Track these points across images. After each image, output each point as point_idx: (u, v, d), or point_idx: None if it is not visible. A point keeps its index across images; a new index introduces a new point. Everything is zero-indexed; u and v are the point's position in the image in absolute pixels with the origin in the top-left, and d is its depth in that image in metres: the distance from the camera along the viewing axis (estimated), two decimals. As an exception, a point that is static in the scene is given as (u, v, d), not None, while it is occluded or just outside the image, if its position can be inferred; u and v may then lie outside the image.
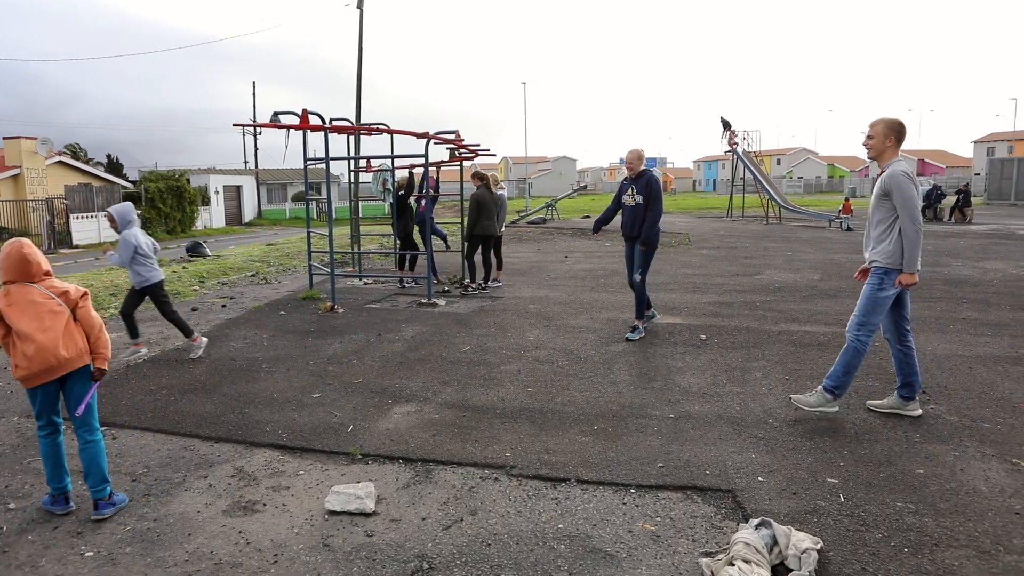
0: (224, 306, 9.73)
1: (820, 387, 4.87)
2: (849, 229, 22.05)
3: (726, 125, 29.40)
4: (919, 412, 4.84)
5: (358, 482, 3.92)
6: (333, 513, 3.62)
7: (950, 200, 26.77)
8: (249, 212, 45.92)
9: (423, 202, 10.82)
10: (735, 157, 30.83)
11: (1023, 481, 3.85)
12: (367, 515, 3.59)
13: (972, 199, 27.42)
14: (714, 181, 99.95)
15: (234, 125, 13.15)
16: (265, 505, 3.76)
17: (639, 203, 7.01)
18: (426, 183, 10.43)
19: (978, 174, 57.66)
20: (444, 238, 14.27)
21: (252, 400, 5.47)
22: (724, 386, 5.56)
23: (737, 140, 29.49)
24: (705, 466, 4.06)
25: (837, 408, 4.86)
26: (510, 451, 4.35)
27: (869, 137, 4.71)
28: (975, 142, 77.10)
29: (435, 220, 11.91)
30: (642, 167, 7.08)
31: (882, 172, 4.67)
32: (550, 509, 3.62)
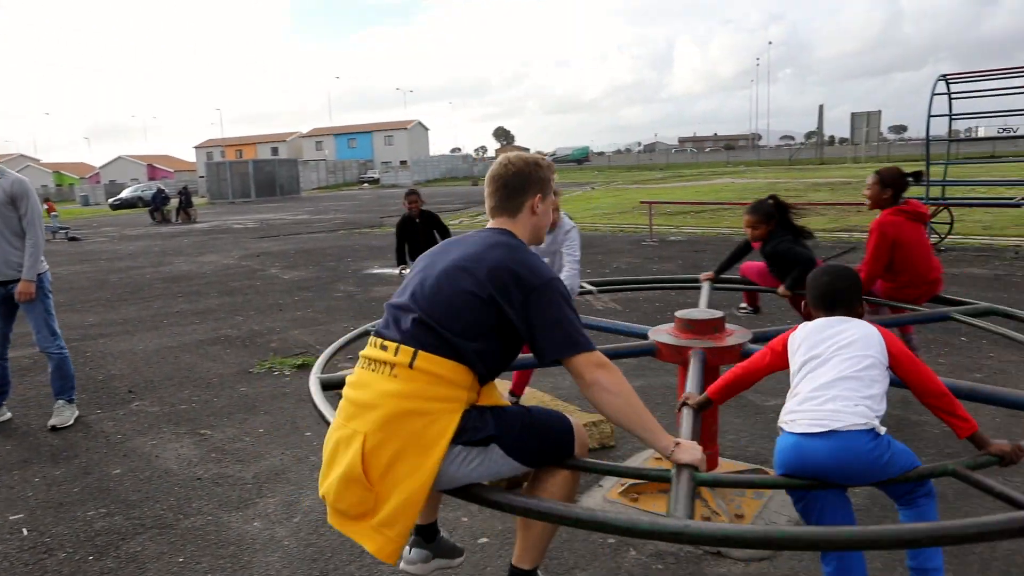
0: None
1: (62, 401, 4.76)
2: (74, 239, 20.91)
3: None
4: (9, 416, 4.88)
5: None
6: None
7: (175, 202, 28.16)
8: None
9: None
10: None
11: (207, 448, 4.27)
12: None
13: (195, 199, 29.48)
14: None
15: None
16: None
17: None
18: None
19: (202, 176, 62.44)
20: None
21: None
22: None
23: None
24: None
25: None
26: None
27: None
28: (196, 147, 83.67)
29: None
30: None
31: None
32: None
